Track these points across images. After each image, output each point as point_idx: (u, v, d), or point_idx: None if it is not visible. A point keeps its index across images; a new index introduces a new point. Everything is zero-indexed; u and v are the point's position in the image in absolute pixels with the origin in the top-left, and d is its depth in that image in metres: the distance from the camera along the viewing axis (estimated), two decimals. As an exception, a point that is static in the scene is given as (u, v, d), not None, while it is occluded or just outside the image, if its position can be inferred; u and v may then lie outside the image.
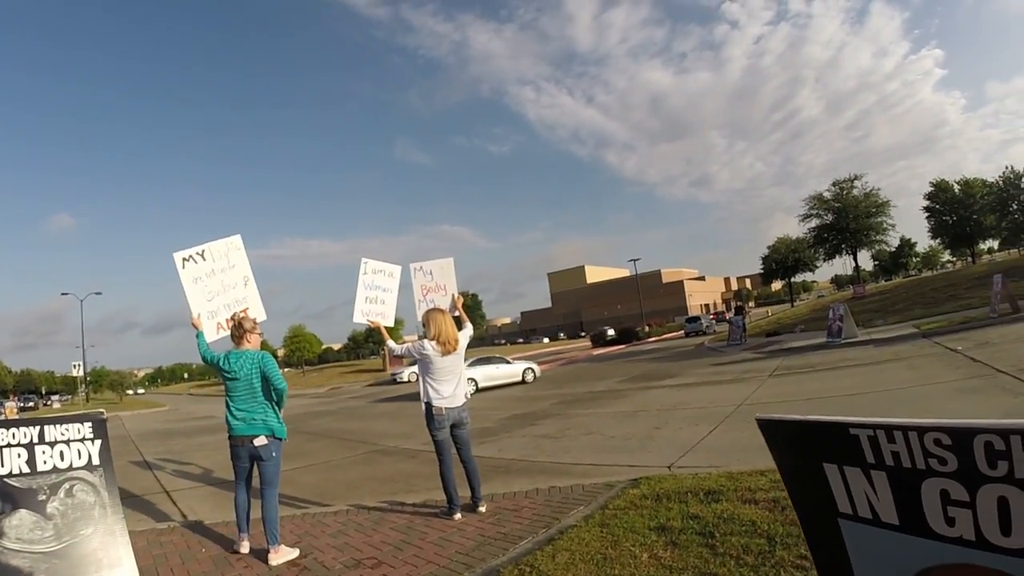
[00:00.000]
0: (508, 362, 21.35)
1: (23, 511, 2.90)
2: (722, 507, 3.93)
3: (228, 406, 4.17)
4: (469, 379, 18.41)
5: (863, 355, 13.41)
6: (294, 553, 4.14)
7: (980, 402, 6.88)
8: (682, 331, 43.22)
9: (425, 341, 4.88)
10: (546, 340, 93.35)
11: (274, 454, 4.16)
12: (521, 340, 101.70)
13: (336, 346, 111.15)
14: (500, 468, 6.83)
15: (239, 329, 4.29)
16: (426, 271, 5.60)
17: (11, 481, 2.93)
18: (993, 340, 11.99)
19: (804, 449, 1.57)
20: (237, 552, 4.33)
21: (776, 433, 1.67)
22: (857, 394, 8.52)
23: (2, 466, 2.94)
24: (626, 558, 3.36)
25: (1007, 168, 30.26)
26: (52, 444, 3.05)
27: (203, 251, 4.60)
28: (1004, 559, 1.16)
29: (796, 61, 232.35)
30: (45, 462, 3.01)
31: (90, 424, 3.20)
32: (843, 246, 47.46)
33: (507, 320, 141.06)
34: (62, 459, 3.05)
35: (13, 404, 49.02)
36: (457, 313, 5.41)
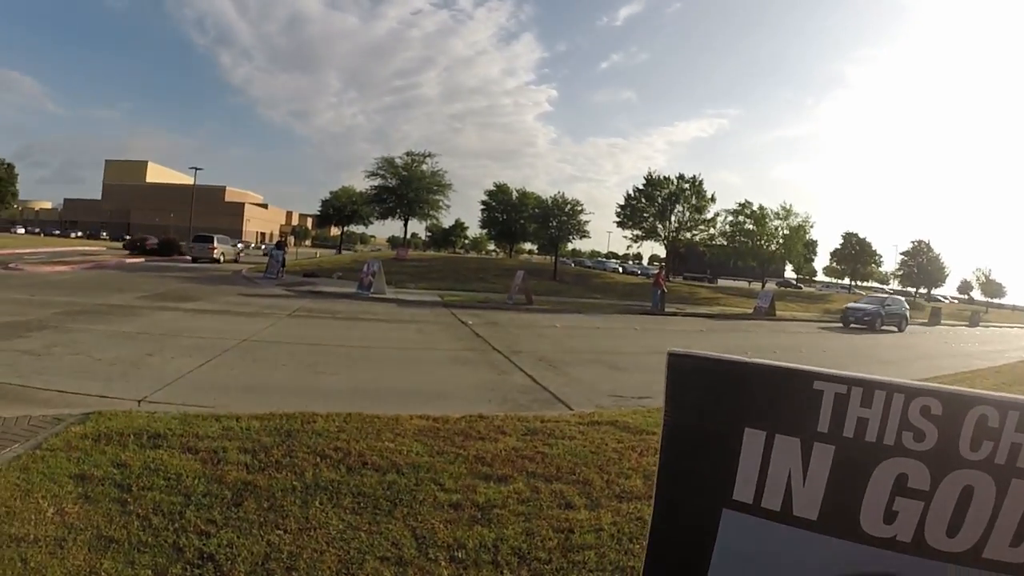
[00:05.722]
0: None
1: None
2: (157, 454, 3.68)
3: None
4: None
5: (384, 311, 14.40)
6: None
7: (464, 373, 7.47)
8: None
9: None
10: (77, 235, 72.54)
11: None
12: (57, 232, 77.48)
13: None
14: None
15: None
16: None
17: None
18: (501, 322, 13.74)
19: (727, 405, 1.21)
20: None
21: (692, 376, 1.25)
22: (361, 346, 9.04)
23: None
24: (30, 512, 2.86)
25: (559, 193, 37.94)
26: None
27: None
28: (931, 566, 1.04)
29: (438, 45, 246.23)
30: None
31: None
32: (398, 210, 50.00)
33: (49, 205, 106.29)
34: None
35: None
36: None
